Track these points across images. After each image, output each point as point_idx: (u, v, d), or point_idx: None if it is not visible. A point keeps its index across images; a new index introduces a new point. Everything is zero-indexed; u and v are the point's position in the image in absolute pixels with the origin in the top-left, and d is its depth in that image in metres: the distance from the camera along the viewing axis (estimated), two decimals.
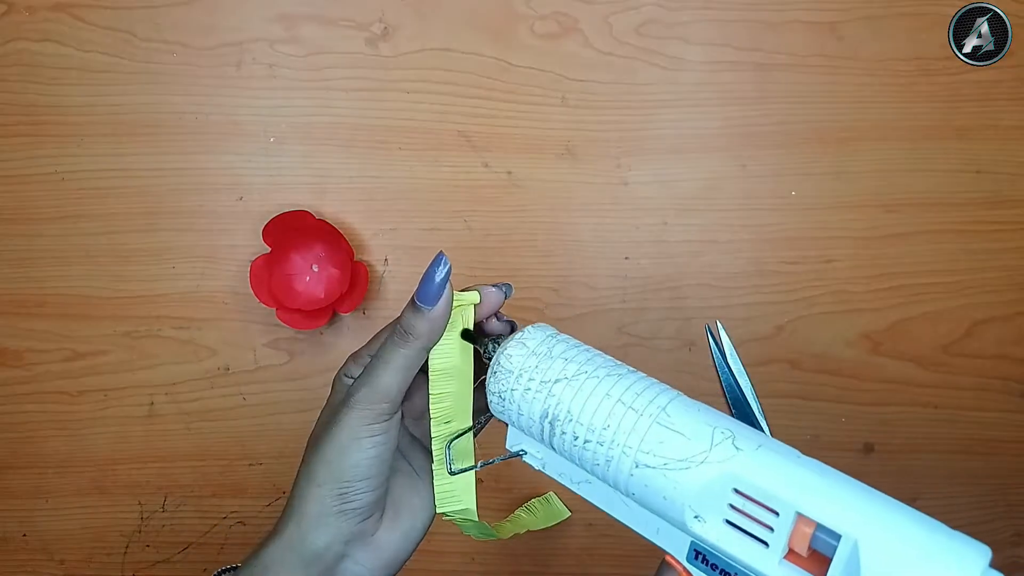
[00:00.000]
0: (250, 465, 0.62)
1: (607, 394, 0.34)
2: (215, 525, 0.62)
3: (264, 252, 0.60)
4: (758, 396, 0.62)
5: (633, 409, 0.34)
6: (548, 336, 0.37)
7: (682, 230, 0.62)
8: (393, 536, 0.39)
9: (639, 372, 0.36)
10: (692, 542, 0.33)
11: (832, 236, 0.62)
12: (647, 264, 0.62)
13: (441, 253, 0.37)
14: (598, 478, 0.35)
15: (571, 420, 0.34)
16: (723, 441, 0.32)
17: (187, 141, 0.62)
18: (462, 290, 0.39)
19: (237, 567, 0.41)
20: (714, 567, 0.33)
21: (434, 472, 0.40)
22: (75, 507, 0.62)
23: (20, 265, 0.62)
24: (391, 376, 0.37)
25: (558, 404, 0.35)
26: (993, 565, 0.28)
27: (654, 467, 0.33)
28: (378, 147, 0.62)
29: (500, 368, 0.36)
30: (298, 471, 0.39)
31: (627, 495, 0.34)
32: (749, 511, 0.31)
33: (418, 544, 0.40)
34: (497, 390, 0.36)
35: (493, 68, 0.62)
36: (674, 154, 0.62)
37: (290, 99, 0.62)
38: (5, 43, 0.61)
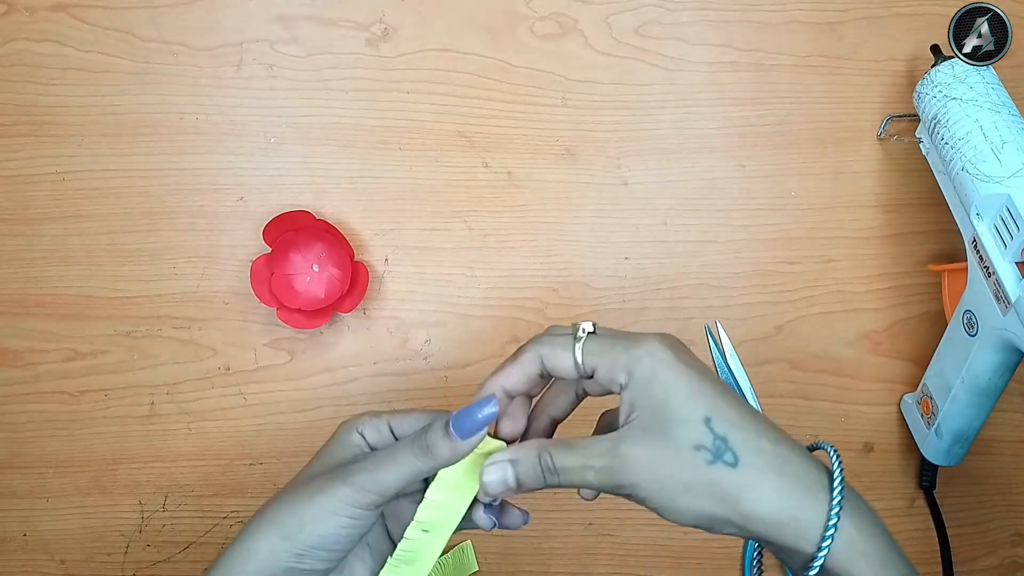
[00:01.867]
0: (250, 465, 0.62)
1: (976, 120, 0.51)
2: (215, 525, 0.62)
3: (264, 252, 0.60)
4: (758, 396, 0.62)
5: (984, 135, 0.50)
6: (975, 73, 0.52)
7: (682, 230, 0.62)
8: None
9: (1018, 118, 0.51)
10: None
11: (832, 236, 0.62)
12: (647, 264, 0.62)
13: (493, 396, 0.38)
14: (943, 162, 0.53)
15: (946, 126, 0.52)
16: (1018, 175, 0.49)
17: (187, 141, 0.62)
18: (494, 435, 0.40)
19: None
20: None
21: (388, 563, 0.40)
22: (75, 507, 0.62)
23: (20, 265, 0.62)
24: (395, 477, 0.38)
25: (945, 111, 0.53)
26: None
27: (971, 173, 0.51)
28: (378, 147, 0.62)
29: (929, 77, 0.54)
30: (263, 510, 0.39)
31: (951, 179, 0.53)
32: (1007, 223, 0.48)
33: None
34: (922, 90, 0.55)
35: (493, 68, 0.62)
36: (674, 154, 0.62)
37: (290, 99, 0.62)
38: (5, 43, 0.61)
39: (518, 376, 0.39)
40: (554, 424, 0.43)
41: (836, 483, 0.35)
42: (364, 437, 0.41)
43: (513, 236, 0.62)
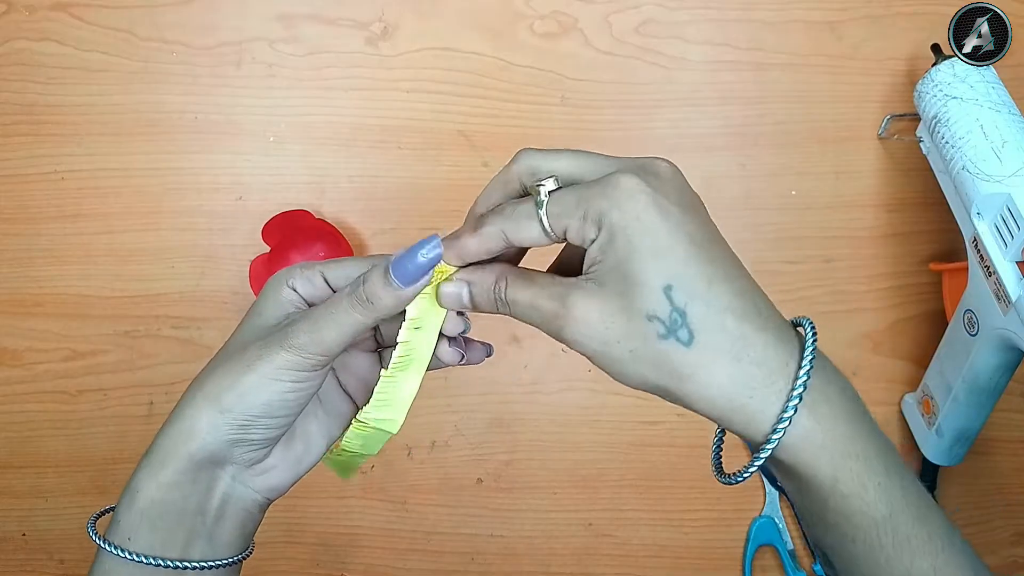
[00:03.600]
0: None
1: (976, 119, 0.51)
2: None
3: (263, 252, 0.60)
4: None
5: (984, 134, 0.50)
6: (975, 73, 0.53)
7: None
8: (282, 462, 0.38)
9: (1018, 117, 0.51)
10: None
11: (832, 236, 0.62)
12: None
13: (436, 236, 0.35)
14: (944, 161, 0.53)
15: (946, 125, 0.52)
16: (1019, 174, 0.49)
17: (187, 141, 0.62)
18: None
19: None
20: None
21: (382, 376, 0.37)
22: (75, 507, 0.62)
23: (19, 265, 0.62)
24: (337, 335, 0.35)
25: (945, 111, 0.53)
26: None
27: (971, 172, 0.51)
28: (378, 147, 0.62)
29: (929, 76, 0.54)
30: (197, 384, 0.36)
31: (951, 178, 0.53)
32: (1008, 223, 0.49)
33: (306, 472, 0.39)
34: (922, 89, 0.55)
35: (493, 68, 0.62)
36: (674, 153, 0.62)
37: (290, 98, 0.62)
38: (5, 43, 0.61)
39: (476, 250, 0.36)
40: (522, 251, 0.38)
41: (803, 372, 0.31)
42: (297, 291, 0.37)
43: None
